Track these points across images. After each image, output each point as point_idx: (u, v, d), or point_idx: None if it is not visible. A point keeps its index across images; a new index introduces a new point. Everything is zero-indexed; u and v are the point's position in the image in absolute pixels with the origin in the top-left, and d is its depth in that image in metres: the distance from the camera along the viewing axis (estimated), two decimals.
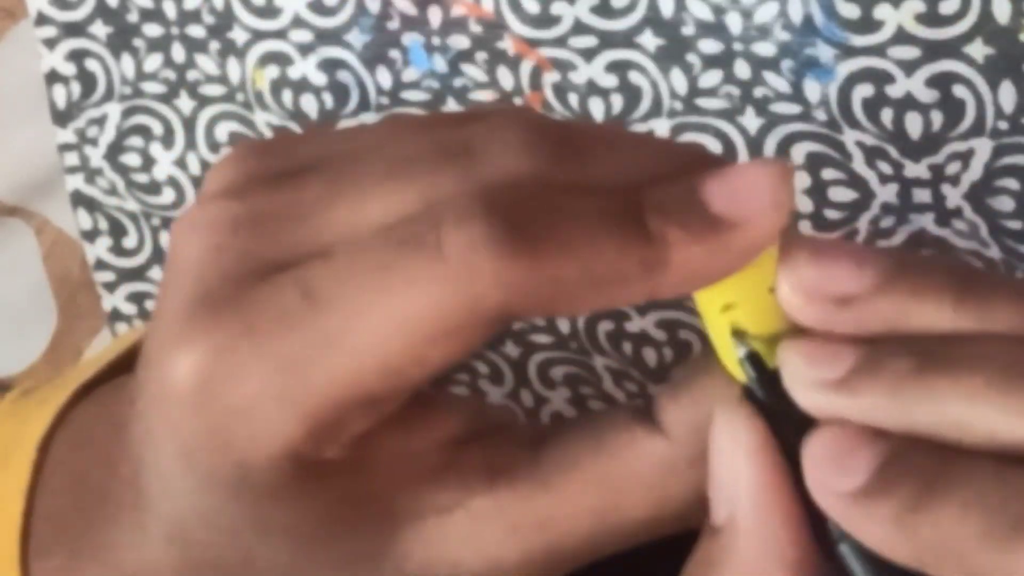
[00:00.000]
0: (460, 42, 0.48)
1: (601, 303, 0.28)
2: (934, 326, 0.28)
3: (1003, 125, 0.44)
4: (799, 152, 0.46)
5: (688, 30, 0.46)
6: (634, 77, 0.47)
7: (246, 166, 0.29)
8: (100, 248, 0.55)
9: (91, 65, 0.53)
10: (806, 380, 0.28)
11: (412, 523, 0.30)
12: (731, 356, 0.30)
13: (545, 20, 0.47)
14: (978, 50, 0.43)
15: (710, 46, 0.46)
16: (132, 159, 0.53)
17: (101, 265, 0.56)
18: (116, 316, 0.57)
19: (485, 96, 0.49)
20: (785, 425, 0.29)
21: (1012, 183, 0.44)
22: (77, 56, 0.53)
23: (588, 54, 0.47)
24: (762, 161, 0.28)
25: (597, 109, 0.47)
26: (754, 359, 0.30)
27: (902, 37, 0.44)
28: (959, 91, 0.44)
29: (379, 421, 0.28)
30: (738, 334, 0.29)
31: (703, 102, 0.46)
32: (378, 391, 0.27)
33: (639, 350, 0.51)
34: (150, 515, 0.30)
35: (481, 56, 0.48)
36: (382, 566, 0.30)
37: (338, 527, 0.29)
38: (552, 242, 0.27)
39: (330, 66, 0.49)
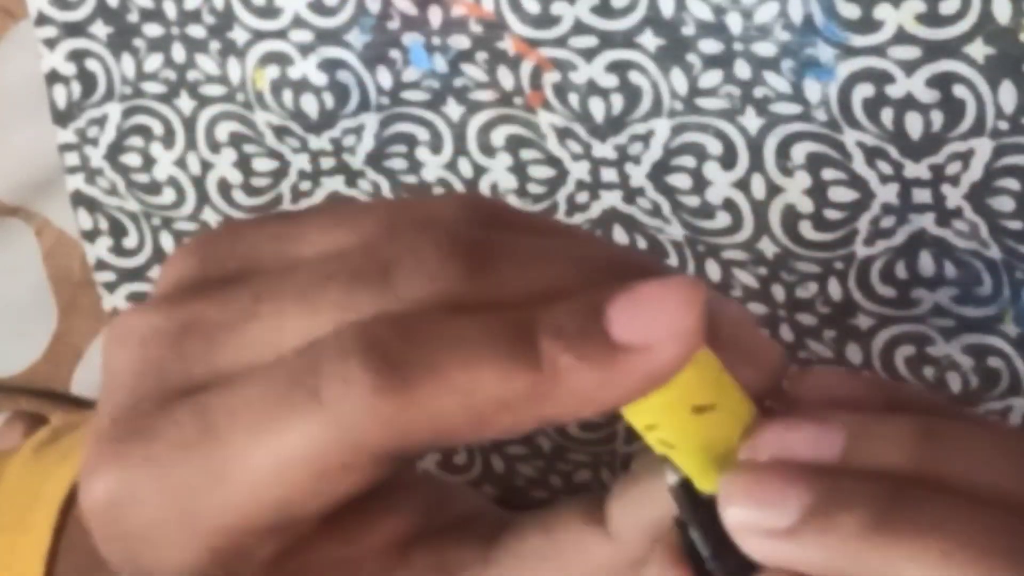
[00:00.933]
0: (460, 42, 0.48)
1: (489, 432, 0.27)
2: (894, 466, 0.27)
3: (1003, 125, 0.44)
4: (799, 152, 0.46)
5: (688, 30, 0.46)
6: (634, 77, 0.47)
7: (182, 268, 0.29)
8: (100, 248, 0.55)
9: (91, 65, 0.53)
10: (749, 526, 0.27)
11: None
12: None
13: (545, 20, 0.47)
14: (978, 50, 0.43)
15: (710, 46, 0.46)
16: (132, 159, 0.53)
17: (101, 265, 0.56)
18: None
19: (485, 96, 0.49)
20: (724, 564, 0.28)
21: (1012, 183, 0.44)
22: (77, 56, 0.53)
23: (588, 54, 0.47)
24: (671, 282, 0.27)
25: (597, 109, 0.47)
26: (686, 488, 0.29)
27: (902, 37, 0.44)
28: (959, 91, 0.44)
29: (294, 541, 0.28)
30: (667, 456, 0.28)
31: (703, 102, 0.46)
32: (273, 522, 0.27)
33: None
34: None
35: (481, 56, 0.48)
36: None
37: None
38: (427, 374, 0.26)
39: (330, 66, 0.49)
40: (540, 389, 0.26)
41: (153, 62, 0.52)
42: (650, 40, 0.46)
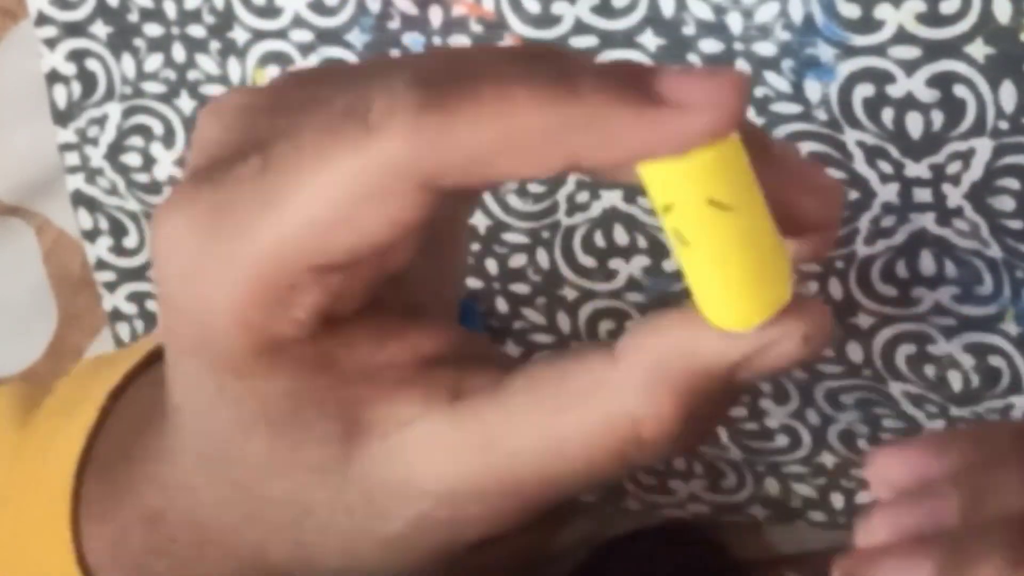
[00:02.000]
0: (461, 42, 0.48)
1: (526, 169, 0.28)
2: (1010, 507, 0.28)
3: (1004, 125, 0.44)
4: (800, 152, 0.46)
5: (689, 30, 0.46)
6: None
7: (278, 79, 0.32)
8: (101, 248, 0.55)
9: (92, 65, 0.53)
10: None
11: (374, 435, 0.30)
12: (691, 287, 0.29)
13: (546, 20, 0.47)
14: (979, 50, 0.43)
15: (711, 46, 0.46)
16: (133, 159, 0.53)
17: (102, 265, 0.56)
18: (116, 316, 0.57)
19: None
20: None
21: (1013, 183, 0.44)
22: (78, 56, 0.53)
23: (589, 54, 0.47)
24: (722, 68, 0.29)
25: None
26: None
27: (903, 37, 0.44)
28: (960, 91, 0.44)
29: (333, 299, 0.29)
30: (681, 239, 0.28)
31: None
32: (313, 254, 0.28)
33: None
34: (181, 437, 0.32)
35: None
36: (346, 480, 0.30)
37: (303, 425, 0.30)
38: (467, 96, 0.27)
39: None
40: (572, 122, 0.27)
41: (153, 62, 0.52)
42: (650, 40, 0.46)
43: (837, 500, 0.52)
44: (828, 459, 0.51)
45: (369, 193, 0.28)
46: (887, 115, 0.45)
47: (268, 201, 0.28)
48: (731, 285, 0.28)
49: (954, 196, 0.45)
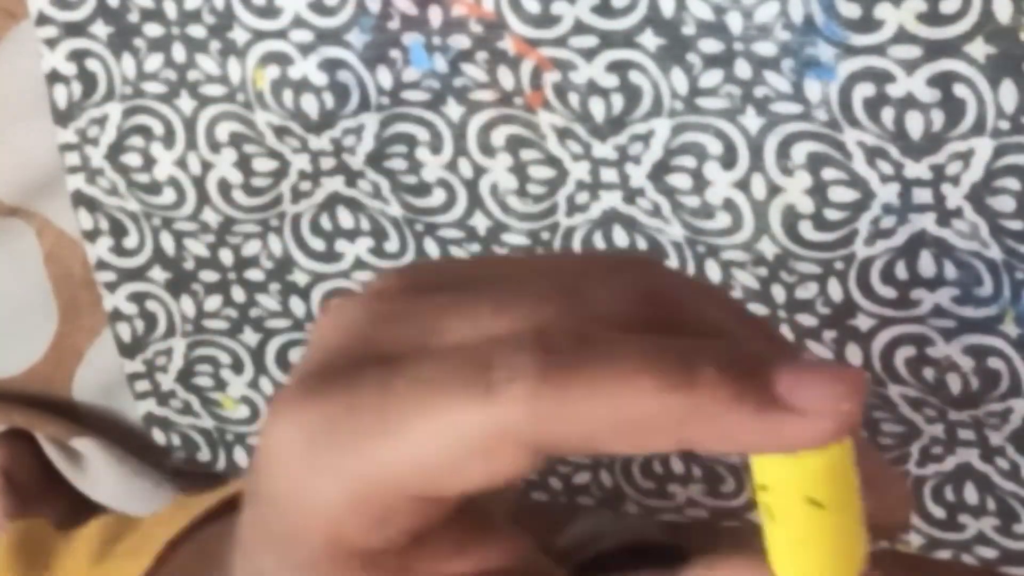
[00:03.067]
0: (460, 42, 0.48)
1: (631, 447, 0.28)
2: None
3: (1004, 125, 0.43)
4: (800, 152, 0.46)
5: (689, 30, 0.46)
6: (634, 77, 0.47)
7: (402, 276, 0.32)
8: (101, 248, 0.55)
9: (92, 65, 0.53)
10: None
11: None
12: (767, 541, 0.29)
13: (546, 20, 0.47)
14: (979, 49, 0.43)
15: (711, 45, 0.46)
16: (133, 159, 0.53)
17: (102, 265, 0.56)
18: (117, 316, 0.57)
19: (486, 96, 0.48)
20: None
21: (1013, 183, 0.44)
22: (78, 56, 0.53)
23: (588, 54, 0.47)
24: (845, 368, 0.28)
25: (597, 109, 0.47)
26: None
27: (903, 36, 0.43)
28: (960, 90, 0.43)
29: (426, 523, 0.30)
30: (768, 512, 0.29)
31: (704, 102, 0.46)
32: (419, 490, 0.29)
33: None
34: None
35: (482, 56, 0.48)
36: None
37: None
38: (587, 379, 0.28)
39: (330, 66, 0.49)
40: (688, 413, 0.28)
41: (153, 62, 0.52)
42: (650, 40, 0.46)
43: None
44: None
45: (481, 450, 0.28)
46: (887, 115, 0.44)
47: (382, 430, 0.29)
48: (808, 564, 0.29)
49: (954, 197, 0.45)
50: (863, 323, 0.48)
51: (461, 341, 0.30)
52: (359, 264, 0.53)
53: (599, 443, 0.28)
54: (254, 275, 0.54)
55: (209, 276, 0.55)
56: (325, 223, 0.53)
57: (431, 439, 0.29)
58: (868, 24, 0.44)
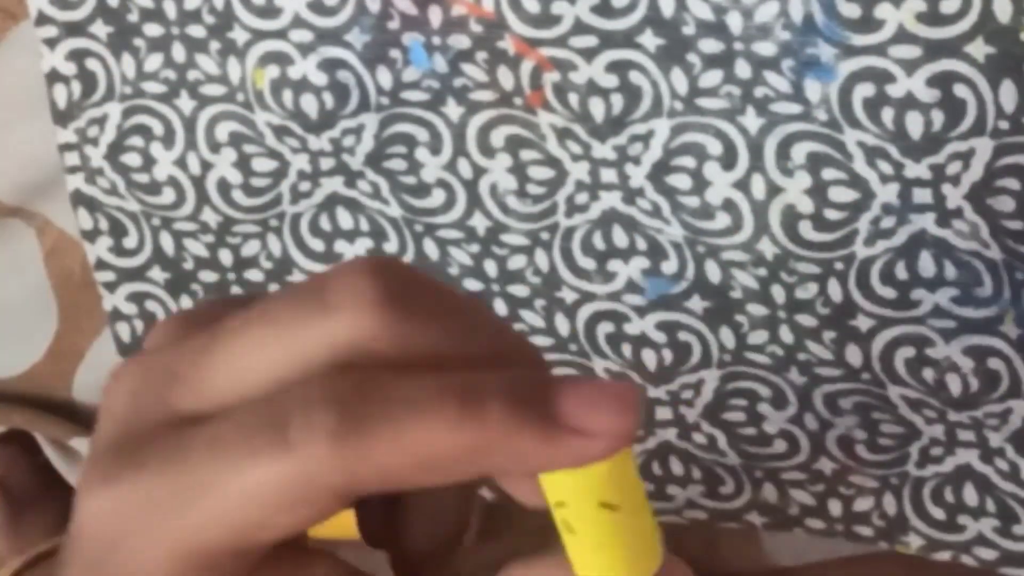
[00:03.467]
0: (460, 42, 0.48)
1: (434, 481, 0.30)
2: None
3: (1004, 125, 0.43)
4: (800, 152, 0.46)
5: (689, 30, 0.46)
6: (634, 77, 0.47)
7: (168, 327, 0.34)
8: (101, 248, 0.55)
9: (92, 65, 0.53)
10: None
11: None
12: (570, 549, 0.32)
13: (545, 20, 0.47)
14: (979, 49, 0.43)
15: (711, 46, 0.46)
16: (133, 159, 0.53)
17: (102, 265, 0.56)
18: (117, 316, 0.57)
19: (485, 96, 0.48)
20: None
21: (1013, 183, 0.44)
22: (78, 56, 0.53)
23: (588, 54, 0.47)
24: (616, 385, 0.30)
25: (597, 109, 0.47)
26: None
27: (903, 36, 0.43)
28: (960, 90, 0.43)
29: (249, 567, 0.31)
30: (568, 527, 0.31)
31: (704, 102, 0.46)
32: (235, 546, 0.31)
33: (638, 352, 0.51)
34: None
35: (481, 56, 0.48)
36: None
37: None
38: (380, 427, 0.29)
39: (330, 66, 0.49)
40: (482, 447, 0.30)
41: (153, 62, 0.52)
42: (650, 40, 0.46)
43: (835, 507, 0.52)
44: (826, 465, 0.51)
45: (288, 504, 0.30)
46: (887, 115, 0.44)
47: (189, 497, 0.30)
48: (612, 565, 0.32)
49: (954, 197, 0.45)
50: (863, 323, 0.47)
51: (247, 389, 0.31)
52: None
53: (401, 481, 0.30)
54: (254, 275, 0.54)
55: (209, 276, 0.55)
56: (324, 223, 0.53)
57: (237, 500, 0.30)
58: (868, 24, 0.44)
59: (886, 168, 0.45)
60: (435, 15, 0.48)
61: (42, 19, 0.52)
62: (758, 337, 0.49)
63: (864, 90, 0.44)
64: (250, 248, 0.54)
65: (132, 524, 0.31)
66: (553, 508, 0.31)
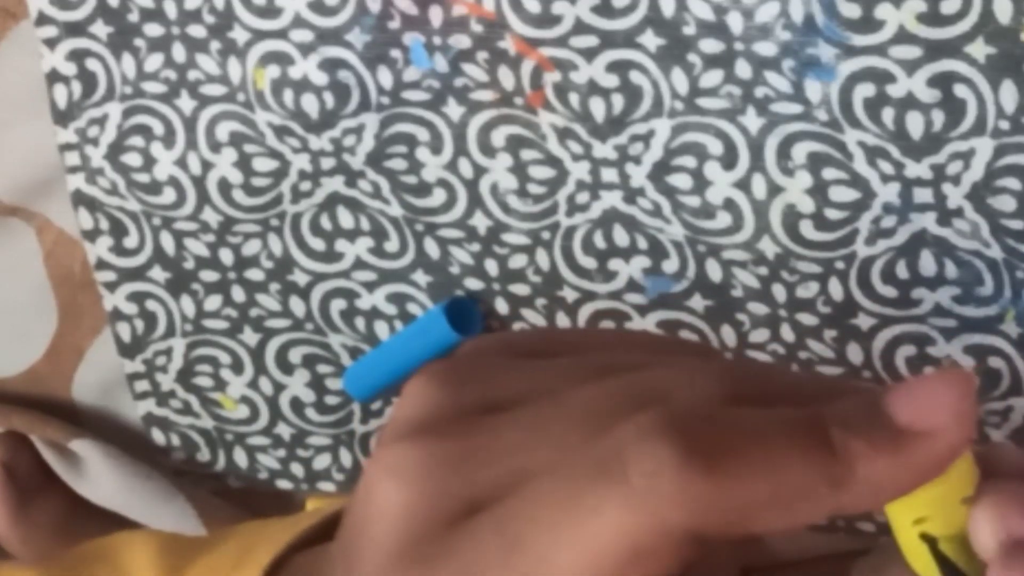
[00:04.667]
0: (461, 41, 0.48)
1: (788, 521, 0.27)
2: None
3: (1004, 125, 0.43)
4: (800, 152, 0.46)
5: (689, 30, 0.46)
6: (635, 77, 0.47)
7: (440, 397, 0.30)
8: (101, 248, 0.55)
9: (92, 65, 0.53)
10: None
11: None
12: (924, 565, 0.30)
13: (546, 20, 0.47)
14: (979, 50, 0.43)
15: (711, 46, 0.46)
16: (133, 159, 0.53)
17: (102, 265, 0.56)
18: (117, 315, 0.57)
19: (486, 96, 0.49)
20: None
21: (1013, 183, 0.44)
22: (78, 56, 0.53)
23: (589, 54, 0.47)
24: (946, 372, 0.28)
25: (598, 109, 0.47)
26: (948, 564, 0.30)
27: (903, 37, 0.43)
28: (960, 91, 0.43)
29: None
30: (930, 539, 0.30)
31: (704, 102, 0.46)
32: None
33: None
34: None
35: (482, 56, 0.48)
36: None
37: None
38: (735, 460, 0.27)
39: (331, 66, 0.49)
40: (837, 477, 0.27)
41: (154, 62, 0.52)
42: (651, 40, 0.46)
43: None
44: None
45: (635, 557, 0.27)
46: (888, 115, 0.44)
47: (521, 540, 0.27)
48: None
49: (955, 196, 0.45)
50: (864, 322, 0.48)
51: (554, 460, 0.28)
52: (359, 264, 0.53)
53: (757, 521, 0.27)
54: (254, 275, 0.54)
55: (209, 276, 0.55)
56: (325, 223, 0.53)
57: (579, 565, 0.27)
58: (868, 24, 0.44)
59: (887, 168, 0.45)
60: (436, 15, 0.48)
61: (42, 19, 0.52)
62: (759, 336, 0.49)
63: (864, 90, 0.44)
64: (251, 247, 0.54)
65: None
66: (908, 528, 0.29)
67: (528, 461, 0.28)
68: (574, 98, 0.48)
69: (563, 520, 0.27)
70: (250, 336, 0.56)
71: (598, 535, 0.26)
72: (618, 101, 0.47)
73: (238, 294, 0.55)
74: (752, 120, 0.46)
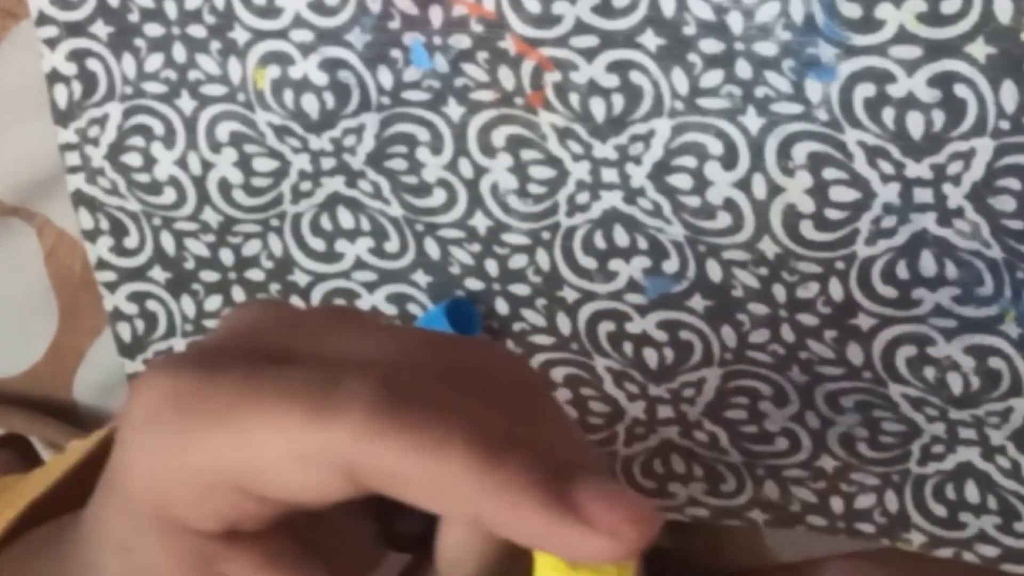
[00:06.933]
0: (461, 41, 0.48)
1: (431, 504, 0.30)
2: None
3: (1005, 125, 0.43)
4: (801, 152, 0.46)
5: (689, 30, 0.46)
6: (635, 77, 0.47)
7: (314, 311, 0.35)
8: (101, 248, 0.55)
9: (92, 65, 0.53)
10: None
11: None
12: None
13: (546, 19, 0.47)
14: (979, 49, 0.43)
15: (711, 46, 0.46)
16: (133, 159, 0.53)
17: (102, 265, 0.56)
18: (117, 315, 0.57)
19: (486, 96, 0.49)
20: None
21: (1014, 183, 0.44)
22: (78, 56, 0.53)
23: (589, 54, 0.47)
24: (640, 498, 0.30)
25: (598, 109, 0.47)
26: None
27: (903, 36, 0.43)
28: (961, 90, 0.43)
29: (242, 517, 0.32)
30: None
31: (704, 102, 0.46)
32: (238, 479, 0.31)
33: (640, 350, 0.51)
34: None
35: (482, 56, 0.48)
36: None
37: None
38: (401, 428, 0.30)
39: (331, 66, 0.49)
40: (489, 490, 0.29)
41: (154, 62, 0.52)
42: (651, 40, 0.46)
43: (836, 504, 0.52)
44: (828, 463, 0.51)
45: (298, 458, 0.30)
46: (888, 115, 0.44)
47: (223, 417, 0.31)
48: None
49: (955, 196, 0.45)
50: (864, 322, 0.48)
51: (330, 354, 0.31)
52: (359, 264, 0.53)
53: (401, 489, 0.30)
54: (254, 275, 0.54)
55: (209, 276, 0.55)
56: (325, 223, 0.53)
57: (258, 436, 0.30)
58: (869, 24, 0.44)
59: (887, 168, 0.45)
60: (436, 15, 0.48)
61: (43, 19, 0.52)
62: (759, 336, 0.49)
63: (865, 90, 0.44)
64: (251, 248, 0.54)
65: (159, 425, 0.31)
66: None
67: (324, 343, 0.32)
68: (574, 98, 0.48)
69: (272, 402, 0.30)
70: None
71: (278, 424, 0.30)
72: (618, 101, 0.47)
73: (239, 294, 0.55)
74: (752, 120, 0.46)
